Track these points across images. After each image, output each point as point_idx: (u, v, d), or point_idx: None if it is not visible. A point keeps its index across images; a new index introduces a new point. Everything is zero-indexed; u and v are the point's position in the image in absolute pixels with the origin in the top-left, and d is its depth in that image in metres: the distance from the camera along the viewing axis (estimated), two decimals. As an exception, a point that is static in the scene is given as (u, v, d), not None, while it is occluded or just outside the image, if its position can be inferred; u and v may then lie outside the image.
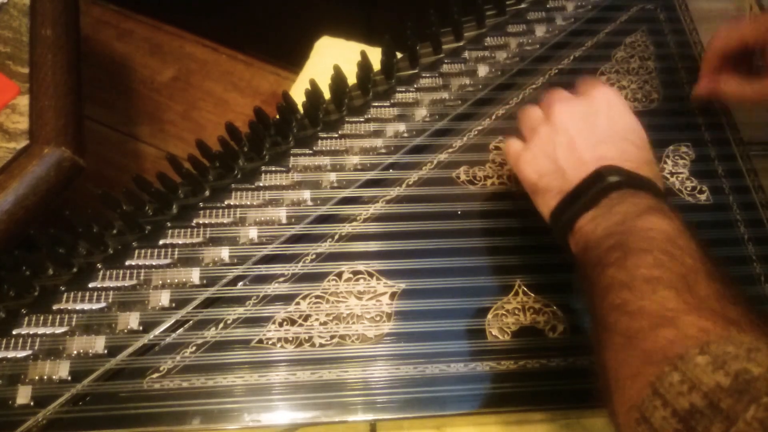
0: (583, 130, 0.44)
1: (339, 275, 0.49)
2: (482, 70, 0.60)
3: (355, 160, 0.54)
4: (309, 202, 0.52)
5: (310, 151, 0.55)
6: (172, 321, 0.46)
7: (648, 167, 0.42)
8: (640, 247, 0.35)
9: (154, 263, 0.49)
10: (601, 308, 0.35)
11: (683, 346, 0.29)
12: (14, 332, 0.45)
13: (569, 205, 0.41)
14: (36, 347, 0.45)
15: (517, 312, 0.48)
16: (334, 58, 0.58)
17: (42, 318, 0.46)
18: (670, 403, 0.28)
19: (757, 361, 0.27)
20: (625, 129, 0.44)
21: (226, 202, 0.52)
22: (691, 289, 0.32)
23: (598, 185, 0.40)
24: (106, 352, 0.45)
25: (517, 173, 0.47)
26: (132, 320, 0.46)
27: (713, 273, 0.34)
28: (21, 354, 0.45)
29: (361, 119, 0.57)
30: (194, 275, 0.48)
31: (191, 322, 0.47)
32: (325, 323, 0.47)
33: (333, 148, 0.55)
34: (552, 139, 0.44)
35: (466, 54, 0.61)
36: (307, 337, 0.46)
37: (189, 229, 0.50)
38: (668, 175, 0.55)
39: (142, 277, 0.48)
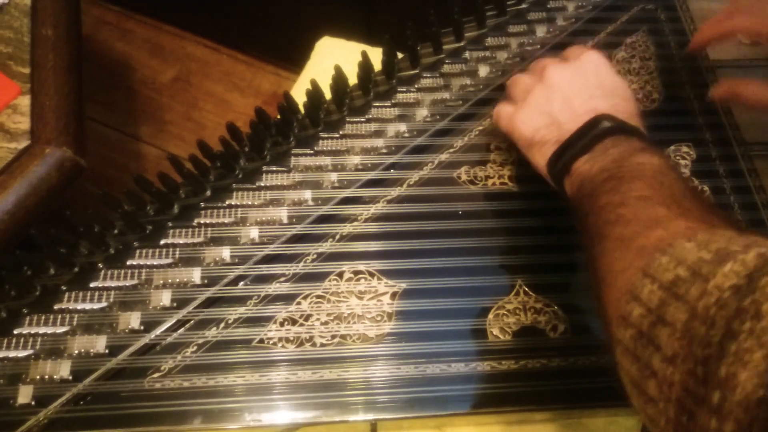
0: (576, 87, 0.47)
1: (340, 275, 0.49)
2: (483, 71, 0.60)
3: (356, 160, 0.54)
4: (310, 202, 0.52)
5: (311, 151, 0.55)
6: (174, 321, 0.46)
7: (636, 119, 0.46)
8: (633, 176, 0.38)
9: (155, 263, 0.49)
10: (596, 226, 0.38)
11: (672, 238, 0.32)
12: (15, 332, 0.45)
13: (566, 150, 0.44)
14: (37, 347, 0.45)
15: (518, 312, 0.48)
16: (334, 58, 0.58)
17: (43, 318, 0.46)
18: (657, 279, 0.30)
19: (737, 243, 0.29)
20: (613, 86, 0.47)
21: (227, 202, 0.52)
22: (679, 204, 0.35)
23: (594, 131, 0.43)
24: (107, 351, 0.45)
25: (511, 132, 0.50)
26: (133, 320, 0.46)
27: (699, 197, 0.37)
28: (22, 353, 0.45)
29: (362, 119, 0.57)
30: (195, 275, 0.48)
31: (192, 321, 0.47)
32: (326, 323, 0.47)
33: (334, 148, 0.55)
34: (547, 95, 0.47)
35: (466, 54, 0.61)
36: (308, 337, 0.46)
37: (190, 229, 0.50)
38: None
39: (143, 277, 0.48)
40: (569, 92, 0.47)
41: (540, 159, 0.47)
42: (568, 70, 0.48)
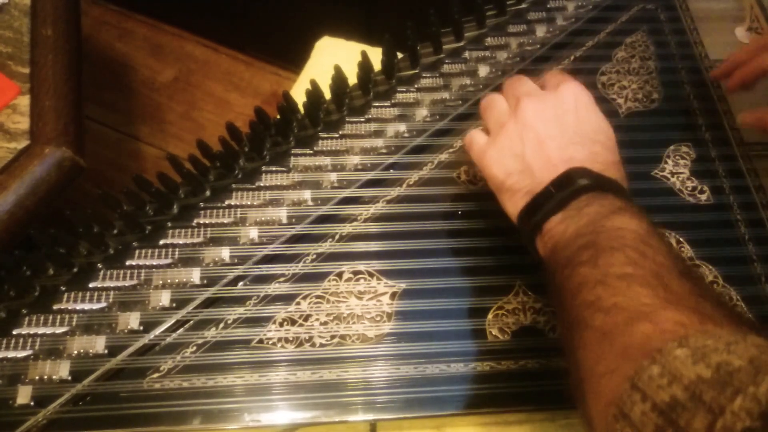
0: (552, 130, 0.43)
1: (339, 275, 0.49)
2: (483, 70, 0.60)
3: (355, 160, 0.54)
4: (309, 202, 0.52)
5: (311, 151, 0.55)
6: (173, 321, 0.46)
7: (615, 169, 0.42)
8: (612, 245, 0.35)
9: (154, 263, 0.49)
10: (573, 306, 0.35)
11: (661, 340, 0.29)
12: (14, 332, 0.45)
13: (538, 207, 0.41)
14: (36, 347, 0.45)
15: (517, 312, 0.48)
16: (334, 58, 0.58)
17: (42, 318, 0.46)
18: (649, 397, 0.27)
19: (737, 353, 0.26)
20: (593, 129, 0.43)
21: (226, 202, 0.52)
22: (666, 286, 0.32)
23: (568, 188, 0.40)
24: (106, 352, 0.45)
25: (482, 170, 0.46)
26: (132, 320, 0.46)
27: (685, 271, 0.34)
28: (21, 354, 0.45)
29: (362, 119, 0.57)
30: (195, 275, 0.48)
31: (192, 322, 0.47)
32: (325, 323, 0.47)
33: (333, 148, 0.55)
34: (520, 136, 0.43)
35: (466, 54, 0.61)
36: (307, 337, 0.46)
37: (189, 229, 0.50)
38: (669, 175, 0.55)
39: (142, 277, 0.48)
40: (544, 134, 0.43)
41: (510, 208, 0.44)
42: (544, 106, 0.44)
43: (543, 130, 0.43)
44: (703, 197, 0.54)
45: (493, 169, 0.44)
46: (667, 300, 0.31)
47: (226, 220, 0.51)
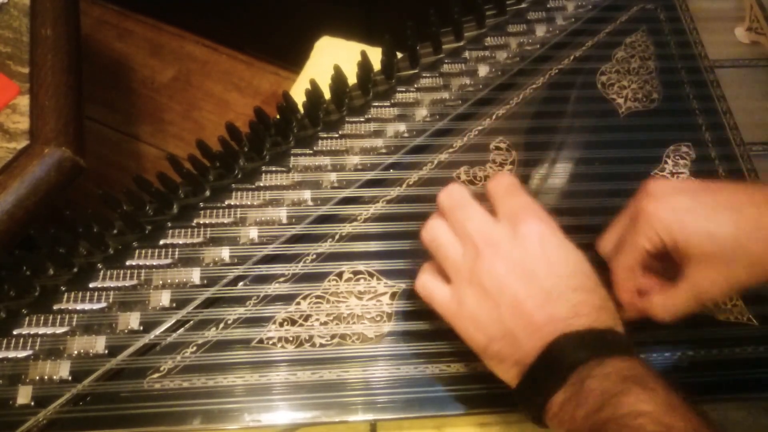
0: (526, 286, 0.38)
1: (339, 275, 0.49)
2: (482, 70, 0.60)
3: (355, 160, 0.54)
4: (309, 202, 0.52)
5: (311, 151, 0.55)
6: (173, 321, 0.46)
7: (603, 312, 0.38)
8: None
9: (154, 263, 0.49)
10: None
11: None
12: (15, 332, 0.45)
13: (534, 386, 0.37)
14: (36, 347, 0.45)
15: (517, 312, 0.48)
16: (334, 58, 0.58)
17: (42, 318, 0.46)
18: None
19: None
20: (569, 272, 0.39)
21: (226, 202, 0.52)
22: None
23: (560, 364, 0.36)
24: (106, 352, 0.45)
25: (456, 329, 0.41)
26: (132, 320, 0.46)
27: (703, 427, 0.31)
28: (21, 354, 0.45)
29: (362, 119, 0.57)
30: (195, 275, 0.48)
31: (192, 322, 0.47)
32: (325, 323, 0.47)
33: (333, 148, 0.55)
34: (492, 297, 0.39)
35: (466, 54, 0.61)
36: (307, 337, 0.46)
37: (189, 229, 0.50)
38: (669, 175, 0.55)
39: (142, 277, 0.48)
40: (518, 293, 0.38)
41: (502, 376, 0.40)
42: (509, 260, 0.39)
43: (516, 289, 0.38)
44: (703, 197, 0.54)
45: (471, 333, 0.40)
46: None
47: (226, 220, 0.51)
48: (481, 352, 0.40)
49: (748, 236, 0.39)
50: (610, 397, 0.33)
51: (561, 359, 0.36)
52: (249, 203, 0.52)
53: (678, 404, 0.33)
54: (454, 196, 0.43)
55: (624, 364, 0.35)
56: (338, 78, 0.56)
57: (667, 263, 0.42)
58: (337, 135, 0.56)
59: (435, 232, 0.43)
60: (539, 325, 0.37)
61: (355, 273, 0.49)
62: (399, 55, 0.61)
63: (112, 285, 0.47)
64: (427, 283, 0.43)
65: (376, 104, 0.58)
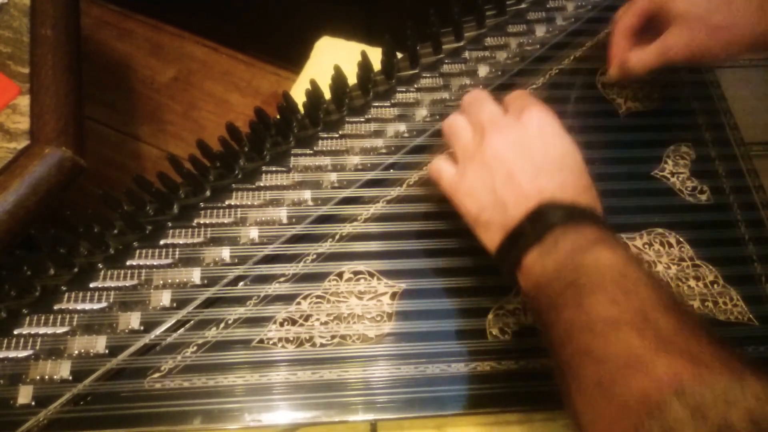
0: (520, 161, 0.42)
1: (340, 275, 0.49)
2: (482, 70, 0.60)
3: (355, 160, 0.54)
4: (310, 202, 0.52)
5: (311, 151, 0.55)
6: (173, 321, 0.46)
7: (587, 194, 0.42)
8: (593, 284, 0.35)
9: (155, 263, 0.49)
10: (564, 353, 0.35)
11: (658, 393, 0.29)
12: (15, 332, 0.45)
13: (514, 244, 0.41)
14: (37, 347, 0.45)
15: (517, 312, 0.48)
16: (334, 58, 0.58)
17: (43, 318, 0.46)
18: None
19: (736, 408, 0.27)
20: (561, 155, 0.43)
21: (226, 202, 0.52)
22: (653, 326, 0.32)
23: (541, 223, 0.40)
24: (107, 351, 0.45)
25: (454, 203, 0.45)
26: (133, 320, 0.46)
27: (668, 302, 0.34)
28: (22, 354, 0.45)
29: (362, 119, 0.57)
30: (195, 275, 0.48)
31: (192, 322, 0.47)
32: (325, 323, 0.47)
33: (333, 148, 0.55)
34: (490, 169, 0.43)
35: (466, 54, 0.61)
36: (307, 337, 0.46)
37: (190, 229, 0.50)
38: (669, 175, 0.55)
39: (143, 277, 0.48)
40: (513, 166, 0.42)
41: (487, 242, 0.43)
42: (510, 137, 0.43)
43: (511, 163, 0.42)
44: (704, 197, 0.54)
45: (467, 204, 0.44)
46: (658, 344, 0.31)
47: (226, 220, 0.51)
48: (473, 221, 0.44)
49: (717, 5, 0.49)
50: (579, 251, 0.37)
51: (541, 220, 0.40)
52: (249, 203, 0.52)
53: (638, 262, 0.37)
54: (475, 94, 0.48)
55: (598, 232, 0.39)
56: (338, 78, 0.56)
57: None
58: (337, 135, 0.56)
59: (452, 121, 0.48)
60: (528, 195, 0.41)
61: (356, 273, 0.49)
62: (399, 55, 0.61)
63: (112, 285, 0.48)
64: (439, 164, 0.48)
65: (376, 104, 0.58)
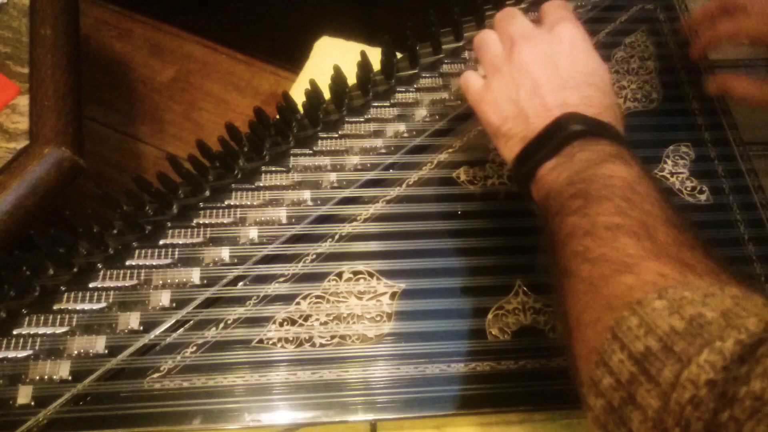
0: (547, 73, 0.43)
1: (339, 275, 0.49)
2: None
3: (355, 160, 0.54)
4: (309, 202, 0.52)
5: (310, 151, 0.55)
6: (173, 321, 0.46)
7: (610, 111, 0.42)
8: (601, 194, 0.36)
9: (154, 263, 0.49)
10: (564, 255, 0.36)
11: (642, 291, 0.30)
12: (15, 332, 0.45)
13: (531, 154, 0.41)
14: (36, 347, 0.45)
15: (517, 312, 0.48)
16: (334, 58, 0.58)
17: (42, 318, 0.46)
18: (626, 347, 0.28)
19: (712, 305, 0.27)
20: (588, 71, 0.43)
21: (226, 202, 0.52)
22: (651, 236, 0.33)
23: (560, 134, 0.40)
24: (106, 352, 0.45)
25: (478, 114, 0.46)
26: (132, 320, 0.46)
27: (672, 219, 0.35)
28: (21, 354, 0.45)
29: (361, 119, 0.57)
30: (195, 275, 0.48)
31: (192, 322, 0.47)
32: (325, 323, 0.47)
33: (333, 148, 0.55)
34: (515, 81, 0.43)
35: (466, 54, 0.61)
36: (307, 337, 0.46)
37: (189, 229, 0.50)
38: (668, 175, 0.55)
39: (142, 277, 0.48)
40: (539, 79, 0.42)
41: (506, 153, 0.44)
42: (539, 50, 0.44)
43: (537, 75, 0.43)
44: (703, 197, 0.54)
45: (490, 115, 0.44)
46: (652, 251, 0.32)
47: (225, 220, 0.51)
48: (495, 131, 0.44)
49: None
50: (593, 164, 0.38)
51: (561, 130, 0.40)
52: (249, 203, 0.52)
53: (651, 179, 0.37)
54: (507, 10, 0.48)
55: (616, 147, 0.39)
56: (338, 78, 0.56)
57: None
58: (336, 135, 0.56)
59: (482, 35, 0.48)
60: (550, 107, 0.41)
61: (355, 273, 0.49)
62: (399, 55, 0.61)
63: (112, 285, 0.47)
64: (469, 75, 0.48)
65: (376, 104, 0.58)
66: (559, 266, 0.36)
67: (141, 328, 0.46)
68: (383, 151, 0.55)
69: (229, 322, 0.47)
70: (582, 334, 0.32)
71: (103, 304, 0.47)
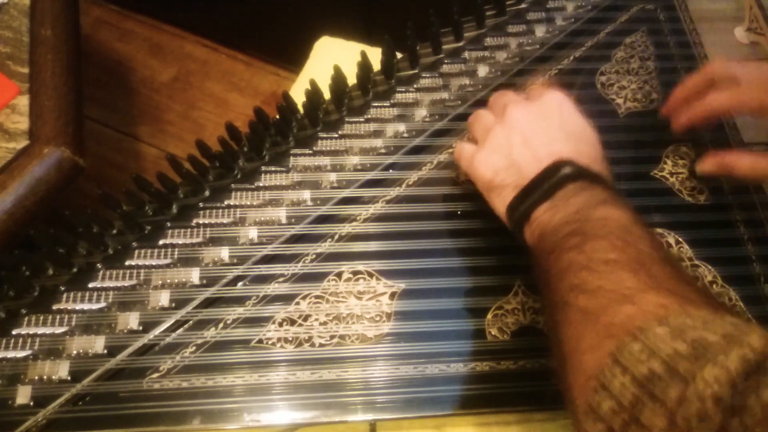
0: (537, 129, 0.44)
1: (339, 275, 0.49)
2: (482, 71, 0.60)
3: (355, 160, 0.54)
4: (309, 202, 0.52)
5: (310, 151, 0.55)
6: (172, 321, 0.46)
7: (600, 164, 0.44)
8: (598, 233, 0.36)
9: (154, 263, 0.49)
10: (558, 288, 0.36)
11: (643, 320, 0.30)
12: (14, 332, 0.45)
13: (525, 197, 0.42)
14: (36, 347, 0.45)
15: (516, 312, 0.48)
16: (334, 58, 0.58)
17: (42, 318, 0.46)
18: (629, 370, 0.28)
19: (712, 330, 0.28)
20: (577, 129, 0.45)
21: (225, 202, 0.52)
22: (648, 272, 0.33)
23: (554, 177, 0.41)
24: (105, 352, 0.45)
25: (472, 174, 0.47)
26: (132, 320, 0.46)
27: (666, 258, 0.35)
28: (21, 354, 0.45)
29: (361, 119, 0.57)
30: (194, 275, 0.48)
31: (191, 322, 0.47)
32: (324, 323, 0.47)
33: (333, 148, 0.55)
34: (507, 137, 0.45)
35: (466, 54, 0.61)
36: (306, 337, 0.46)
37: (189, 229, 0.50)
38: (668, 175, 0.55)
39: (141, 277, 0.48)
40: (530, 133, 0.44)
41: (499, 204, 0.45)
42: (529, 110, 0.46)
43: (528, 130, 0.44)
44: (703, 197, 0.54)
45: (482, 170, 0.46)
46: (649, 284, 0.32)
47: (225, 220, 0.51)
48: (487, 185, 0.46)
49: None
50: (588, 207, 0.39)
51: (554, 174, 0.41)
52: (248, 203, 0.52)
53: (643, 224, 0.38)
54: (498, 92, 0.51)
55: (607, 193, 0.40)
56: (338, 78, 0.56)
57: None
58: (336, 135, 0.56)
59: (476, 112, 0.50)
60: (542, 157, 0.43)
61: (355, 273, 0.49)
62: (399, 55, 0.61)
63: (111, 285, 0.47)
64: (461, 144, 0.50)
65: (376, 104, 0.58)
66: (554, 299, 0.36)
67: (140, 328, 0.46)
68: (383, 151, 0.55)
69: (228, 322, 0.47)
70: (578, 362, 0.32)
71: (102, 304, 0.47)
